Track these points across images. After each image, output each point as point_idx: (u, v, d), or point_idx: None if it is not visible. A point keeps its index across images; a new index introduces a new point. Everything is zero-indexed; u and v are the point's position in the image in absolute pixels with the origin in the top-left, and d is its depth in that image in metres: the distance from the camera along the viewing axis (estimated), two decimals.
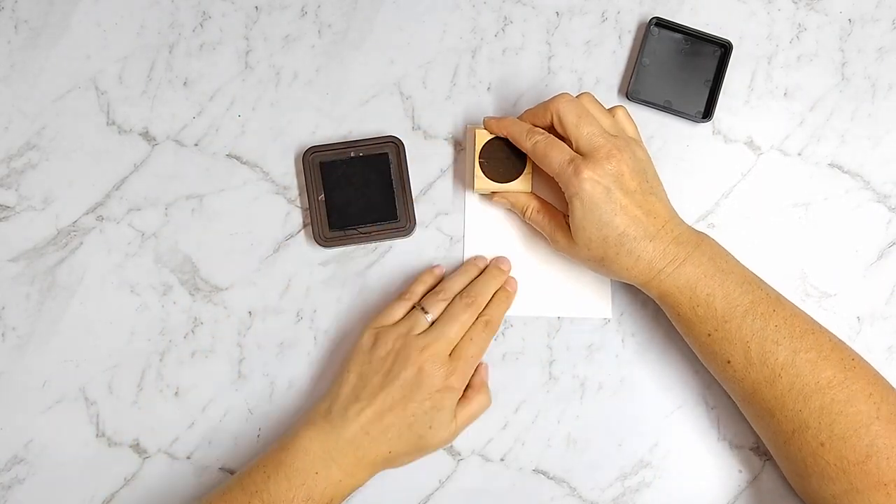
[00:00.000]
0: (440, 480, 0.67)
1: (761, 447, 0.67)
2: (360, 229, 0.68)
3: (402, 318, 0.65)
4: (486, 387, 0.66)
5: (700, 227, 0.69)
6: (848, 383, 0.57)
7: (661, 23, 0.70)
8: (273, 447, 0.62)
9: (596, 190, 0.59)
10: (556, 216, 0.65)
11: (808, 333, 0.59)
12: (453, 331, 0.63)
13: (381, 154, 0.69)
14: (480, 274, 0.67)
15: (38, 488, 0.66)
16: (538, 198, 0.66)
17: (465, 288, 0.66)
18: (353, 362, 0.63)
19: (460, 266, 0.69)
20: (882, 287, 0.69)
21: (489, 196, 0.68)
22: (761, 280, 0.62)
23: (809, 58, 0.71)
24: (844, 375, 0.57)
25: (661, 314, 0.68)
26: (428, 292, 0.66)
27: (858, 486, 0.56)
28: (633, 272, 0.61)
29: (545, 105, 0.63)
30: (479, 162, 0.65)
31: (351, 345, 0.67)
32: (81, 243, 0.69)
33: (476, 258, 0.69)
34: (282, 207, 0.70)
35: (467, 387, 0.64)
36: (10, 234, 0.69)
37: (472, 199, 0.70)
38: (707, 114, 0.70)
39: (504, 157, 0.66)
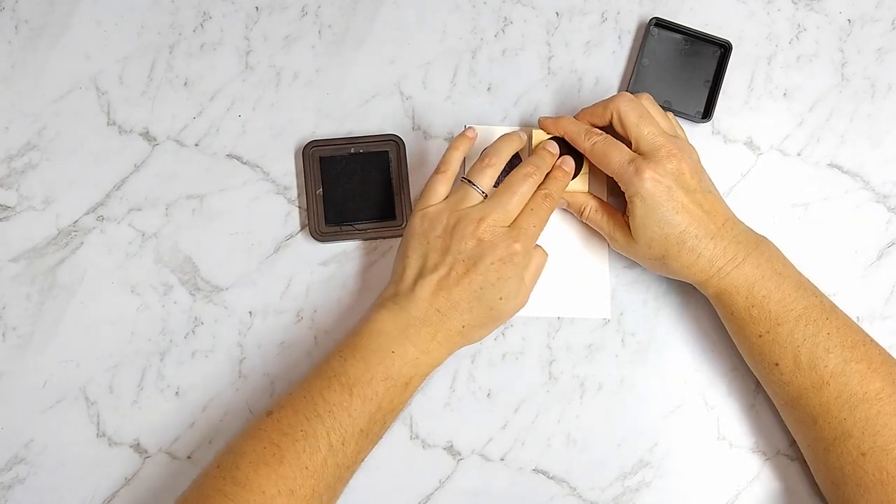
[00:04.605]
0: (440, 480, 0.67)
1: (761, 447, 0.67)
2: (356, 226, 0.68)
3: (449, 194, 0.63)
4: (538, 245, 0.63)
5: None
6: None
7: (660, 23, 0.70)
8: (347, 334, 0.62)
9: (658, 189, 0.59)
10: (614, 215, 0.65)
11: (859, 344, 0.60)
12: (513, 202, 0.61)
13: (381, 152, 0.69)
14: (533, 154, 0.65)
15: (38, 488, 0.66)
16: (596, 197, 0.66)
17: (522, 161, 0.64)
18: (410, 247, 0.62)
19: (498, 138, 0.65)
20: (881, 287, 0.69)
21: None
22: (816, 287, 0.62)
23: (809, 58, 0.71)
24: (893, 389, 0.58)
25: (661, 314, 0.68)
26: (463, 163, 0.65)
27: (894, 498, 0.56)
28: (692, 270, 0.61)
29: (604, 104, 0.63)
30: None
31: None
32: (82, 243, 0.69)
33: (513, 133, 0.65)
34: (282, 207, 0.70)
35: None
36: (10, 234, 0.69)
37: None
38: (707, 114, 0.70)
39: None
